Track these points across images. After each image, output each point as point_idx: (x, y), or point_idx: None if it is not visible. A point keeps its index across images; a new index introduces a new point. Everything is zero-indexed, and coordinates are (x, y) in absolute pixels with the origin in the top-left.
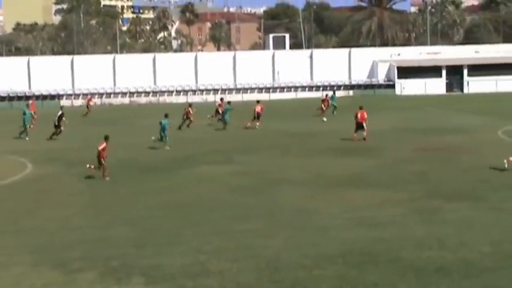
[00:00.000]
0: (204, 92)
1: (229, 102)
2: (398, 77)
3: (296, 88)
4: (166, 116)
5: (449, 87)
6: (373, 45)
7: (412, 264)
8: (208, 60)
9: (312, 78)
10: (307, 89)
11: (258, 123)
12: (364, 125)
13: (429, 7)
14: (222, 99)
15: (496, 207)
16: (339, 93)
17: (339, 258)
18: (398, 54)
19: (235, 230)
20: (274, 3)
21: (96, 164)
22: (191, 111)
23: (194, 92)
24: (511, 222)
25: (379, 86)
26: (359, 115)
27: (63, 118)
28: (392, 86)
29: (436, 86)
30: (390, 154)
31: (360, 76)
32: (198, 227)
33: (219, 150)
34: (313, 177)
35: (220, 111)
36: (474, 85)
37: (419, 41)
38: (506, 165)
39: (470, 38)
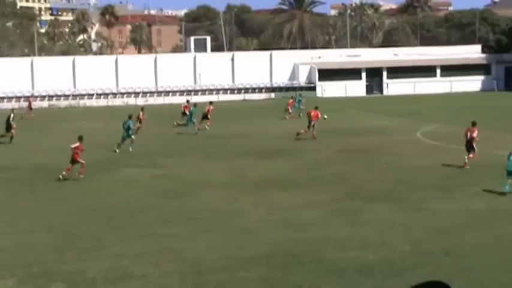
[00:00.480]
0: (125, 95)
1: (195, 105)
2: (319, 80)
3: (218, 91)
4: (130, 117)
5: (369, 89)
6: (294, 47)
7: (335, 264)
8: (129, 63)
9: (233, 81)
10: (228, 91)
11: (207, 124)
12: (314, 123)
13: (349, 10)
14: (188, 101)
15: (416, 207)
16: (260, 96)
17: (263, 260)
18: (319, 57)
19: (158, 234)
20: (195, 6)
21: (71, 166)
22: (141, 116)
23: (115, 95)
24: (430, 222)
25: (301, 89)
26: (312, 113)
27: (12, 121)
28: (314, 89)
29: (356, 88)
30: (312, 156)
31: (281, 78)
32: (120, 231)
33: (141, 153)
34: (237, 180)
35: (187, 113)
36: (393, 87)
37: (340, 44)
38: (466, 160)
39: (389, 40)
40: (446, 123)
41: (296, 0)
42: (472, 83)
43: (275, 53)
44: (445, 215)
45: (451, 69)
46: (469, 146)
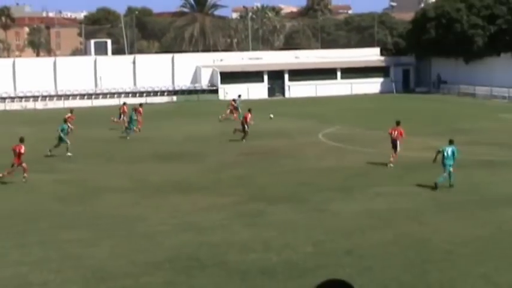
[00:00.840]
0: (23, 99)
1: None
2: (222, 82)
3: (119, 94)
4: (65, 121)
5: (271, 91)
6: (196, 50)
7: (237, 267)
8: (27, 66)
9: (135, 84)
10: (130, 94)
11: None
12: (246, 126)
13: (250, 13)
14: (141, 105)
15: (318, 208)
16: (162, 99)
17: (166, 264)
18: (221, 60)
19: (59, 240)
20: (95, 8)
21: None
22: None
23: (13, 99)
24: (332, 223)
25: (203, 91)
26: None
27: None
28: (216, 91)
29: (259, 90)
30: (215, 159)
31: (184, 81)
32: (20, 237)
33: (41, 158)
34: (138, 184)
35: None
36: (295, 90)
37: (241, 47)
38: (391, 160)
39: (291, 43)
40: (347, 125)
41: (197, 3)
42: (372, 85)
43: (177, 56)
44: (347, 215)
45: (351, 72)
46: (394, 145)
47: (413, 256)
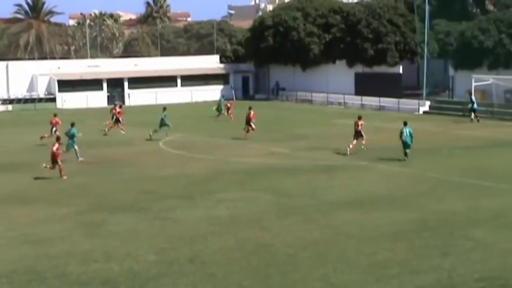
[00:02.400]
0: None
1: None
2: (59, 91)
3: None
4: (72, 125)
5: (111, 99)
6: (32, 58)
7: (78, 278)
8: None
9: None
10: None
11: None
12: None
13: (88, 20)
14: (121, 106)
15: (160, 216)
16: None
17: (3, 279)
18: (59, 68)
19: None
20: None
21: (51, 165)
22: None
23: None
24: (174, 231)
25: (40, 100)
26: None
27: None
28: (54, 100)
29: (98, 98)
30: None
31: (19, 90)
32: None
33: None
34: None
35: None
36: (135, 97)
37: (80, 54)
38: (348, 151)
39: (130, 51)
40: (188, 133)
41: (32, 10)
42: (212, 92)
43: (12, 63)
44: (190, 223)
45: (191, 79)
46: (358, 134)
47: (256, 261)
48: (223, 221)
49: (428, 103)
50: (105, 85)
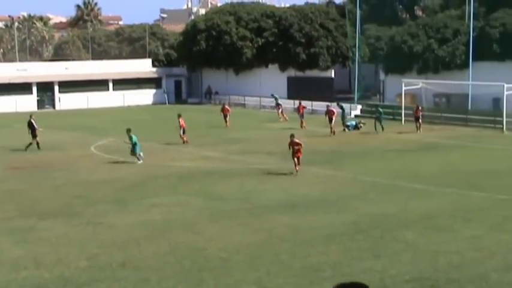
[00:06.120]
0: None
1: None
2: None
3: None
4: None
5: (40, 103)
6: None
7: (8, 286)
8: None
9: None
10: None
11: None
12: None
13: (16, 23)
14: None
15: (92, 221)
16: None
17: None
18: None
19: None
20: None
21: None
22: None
23: None
24: (106, 236)
25: None
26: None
27: None
28: None
29: (27, 103)
30: None
31: None
32: None
33: None
34: None
35: None
36: (66, 101)
37: (8, 58)
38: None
39: (60, 54)
40: (120, 137)
41: None
42: (145, 96)
43: None
44: (122, 227)
45: (124, 83)
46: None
47: (190, 265)
48: (156, 225)
49: (360, 107)
50: (34, 89)
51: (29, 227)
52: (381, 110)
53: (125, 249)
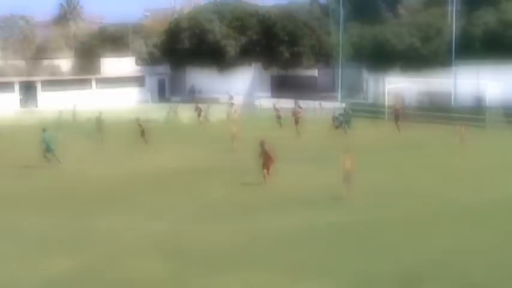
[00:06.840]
0: None
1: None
2: None
3: None
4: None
5: (23, 103)
6: None
7: None
8: None
9: None
10: None
11: None
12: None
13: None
14: None
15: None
16: None
17: None
18: None
19: None
20: None
21: None
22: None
23: None
24: (87, 237)
25: None
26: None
27: None
28: None
29: (9, 102)
30: None
31: None
32: None
33: None
34: None
35: None
36: (49, 100)
37: None
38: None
39: (43, 53)
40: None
41: None
42: (128, 96)
43: None
44: (104, 229)
45: (107, 82)
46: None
47: (174, 266)
48: (140, 226)
49: (343, 105)
50: (17, 87)
51: None
52: (350, 111)
53: (107, 249)
